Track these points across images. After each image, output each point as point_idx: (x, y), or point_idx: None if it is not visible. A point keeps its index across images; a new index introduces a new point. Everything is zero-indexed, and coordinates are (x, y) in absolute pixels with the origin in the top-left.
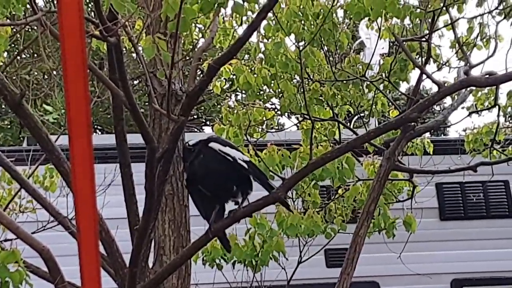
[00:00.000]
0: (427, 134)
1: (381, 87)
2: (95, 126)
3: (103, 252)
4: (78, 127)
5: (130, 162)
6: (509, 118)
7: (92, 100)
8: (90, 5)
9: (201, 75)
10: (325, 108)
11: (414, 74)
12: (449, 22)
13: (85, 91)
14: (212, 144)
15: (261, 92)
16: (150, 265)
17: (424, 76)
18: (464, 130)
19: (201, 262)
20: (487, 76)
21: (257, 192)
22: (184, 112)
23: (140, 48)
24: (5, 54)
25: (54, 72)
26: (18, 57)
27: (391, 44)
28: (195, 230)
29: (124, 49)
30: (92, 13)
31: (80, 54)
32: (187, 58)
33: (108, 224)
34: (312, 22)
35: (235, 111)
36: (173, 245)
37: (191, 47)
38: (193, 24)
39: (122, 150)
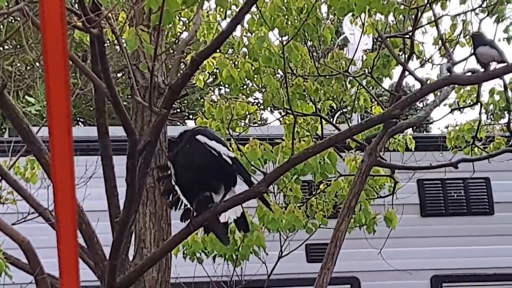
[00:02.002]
0: (409, 130)
1: (364, 82)
2: (78, 118)
3: (83, 245)
4: (58, 117)
5: (111, 155)
6: (491, 116)
7: (75, 92)
8: None
9: (184, 68)
10: (308, 103)
11: (397, 70)
12: (433, 19)
13: (66, 81)
14: (199, 137)
15: (244, 86)
16: (131, 258)
17: (407, 73)
18: (447, 127)
19: (181, 256)
20: (470, 73)
21: (240, 186)
22: (166, 104)
23: (123, 40)
24: None
25: (37, 64)
26: (1, 48)
27: (375, 40)
28: (176, 224)
29: (107, 41)
30: (76, 4)
31: (61, 44)
32: (171, 51)
33: (89, 217)
34: (296, 17)
35: (218, 105)
36: (153, 238)
37: (174, 39)
38: (177, 17)
39: (103, 142)
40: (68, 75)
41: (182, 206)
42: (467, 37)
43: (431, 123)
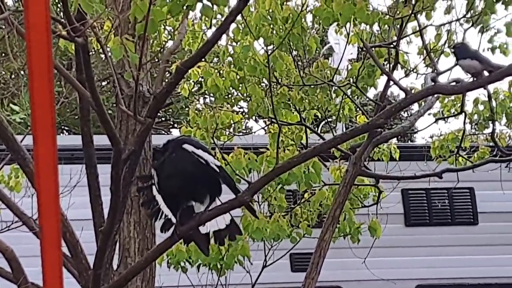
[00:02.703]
0: (394, 140)
1: (348, 92)
2: (62, 127)
3: (67, 254)
4: (43, 126)
5: (96, 163)
6: (476, 125)
7: (60, 100)
8: (58, 6)
9: (169, 77)
10: (293, 112)
11: (382, 80)
12: (417, 28)
13: (50, 90)
14: (186, 146)
15: (229, 96)
16: (115, 267)
17: (392, 82)
18: (431, 137)
19: (165, 265)
20: (454, 83)
21: (225, 195)
22: (151, 113)
23: (108, 49)
24: None
25: (22, 72)
26: None
27: (360, 49)
28: (161, 233)
29: (92, 50)
30: (61, 13)
31: (45, 53)
32: (156, 60)
33: (73, 225)
34: (281, 26)
35: (203, 114)
36: (138, 247)
37: (159, 49)
38: (163, 26)
39: (88, 151)
40: (52, 84)
41: (163, 217)
42: (452, 47)
43: (415, 132)
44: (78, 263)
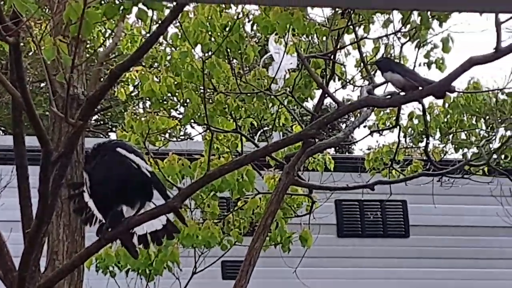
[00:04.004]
0: (332, 151)
1: (285, 102)
2: None
3: None
4: None
5: (27, 164)
6: (410, 139)
7: None
8: None
9: (103, 80)
10: (229, 120)
11: (320, 90)
12: (355, 40)
13: None
14: (119, 150)
15: (166, 101)
16: (43, 269)
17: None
18: (369, 149)
19: (94, 269)
20: (388, 96)
21: (157, 201)
22: (83, 116)
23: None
24: None
25: None
26: None
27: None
28: (91, 236)
29: (30, 50)
30: None
31: None
32: (93, 63)
33: (1, 226)
34: (219, 33)
35: (138, 118)
36: (66, 250)
37: (93, 51)
38: (102, 29)
39: (19, 151)
40: None
41: (98, 221)
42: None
43: (351, 144)
44: (4, 264)
